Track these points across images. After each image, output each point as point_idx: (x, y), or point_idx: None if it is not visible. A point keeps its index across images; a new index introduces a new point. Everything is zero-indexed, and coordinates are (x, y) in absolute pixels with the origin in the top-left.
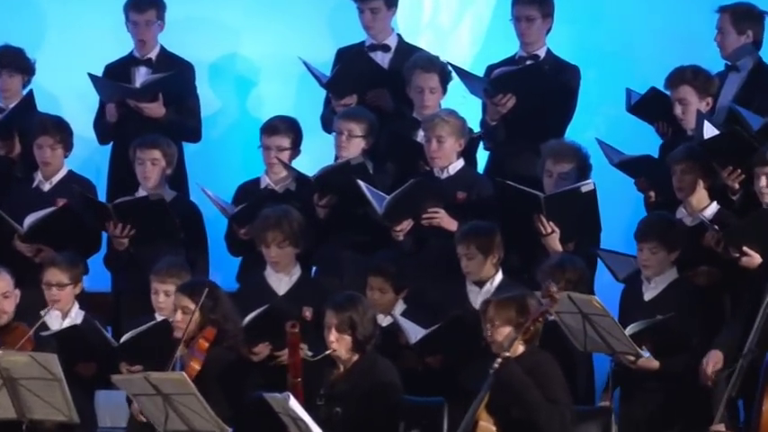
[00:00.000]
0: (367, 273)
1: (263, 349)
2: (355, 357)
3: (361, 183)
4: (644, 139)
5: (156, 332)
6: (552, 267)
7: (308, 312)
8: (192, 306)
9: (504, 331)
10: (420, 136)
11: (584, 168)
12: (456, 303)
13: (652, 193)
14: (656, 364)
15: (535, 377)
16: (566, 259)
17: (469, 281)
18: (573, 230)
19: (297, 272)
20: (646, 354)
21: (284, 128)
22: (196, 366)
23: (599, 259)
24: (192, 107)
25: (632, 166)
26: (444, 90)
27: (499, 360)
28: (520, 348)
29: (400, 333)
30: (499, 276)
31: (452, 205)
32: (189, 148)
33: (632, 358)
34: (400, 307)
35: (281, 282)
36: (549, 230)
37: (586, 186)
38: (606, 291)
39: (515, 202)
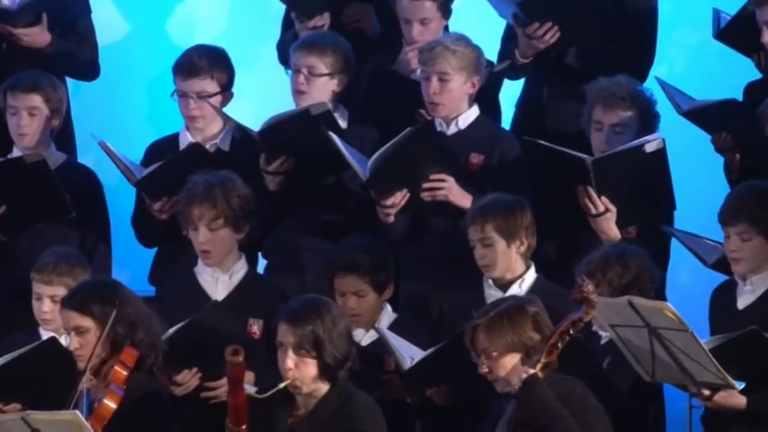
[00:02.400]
0: (331, 274)
1: (187, 378)
2: (322, 390)
3: (334, 135)
4: (738, 78)
5: (42, 355)
6: (595, 262)
7: (255, 327)
8: (87, 323)
9: (508, 362)
10: (419, 73)
11: (647, 118)
12: (469, 312)
13: (737, 155)
14: (741, 400)
15: (569, 410)
16: (617, 250)
17: (488, 279)
18: (635, 208)
19: (240, 268)
20: (740, 386)
21: (206, 65)
22: (112, 405)
23: (671, 248)
24: (84, 30)
25: (709, 115)
26: (446, 14)
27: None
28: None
29: (388, 355)
30: (531, 275)
31: (464, 173)
32: (78, 93)
33: (706, 393)
34: (388, 316)
35: (217, 282)
36: (602, 209)
37: (653, 144)
38: (684, 295)
39: (551, 168)
